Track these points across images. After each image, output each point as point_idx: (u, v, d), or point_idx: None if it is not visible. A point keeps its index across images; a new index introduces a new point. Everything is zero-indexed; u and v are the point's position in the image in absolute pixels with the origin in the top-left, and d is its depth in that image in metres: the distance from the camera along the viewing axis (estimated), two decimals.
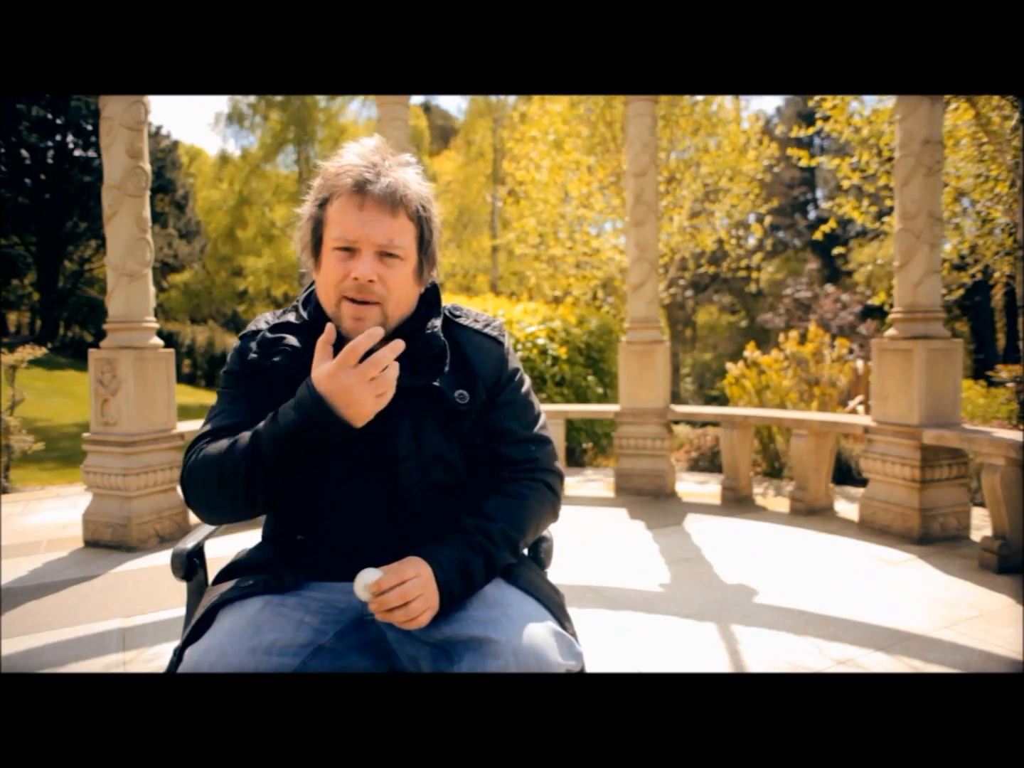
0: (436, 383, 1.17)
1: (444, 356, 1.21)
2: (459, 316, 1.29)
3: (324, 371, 1.02)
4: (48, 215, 19.47)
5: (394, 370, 1.02)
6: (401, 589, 1.03)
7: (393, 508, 1.16)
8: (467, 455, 1.21)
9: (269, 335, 1.22)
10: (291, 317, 1.26)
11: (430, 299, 1.27)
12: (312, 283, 1.31)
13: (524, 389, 1.30)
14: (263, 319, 1.29)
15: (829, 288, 15.98)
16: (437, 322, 1.24)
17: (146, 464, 4.02)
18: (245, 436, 1.10)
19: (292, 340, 1.20)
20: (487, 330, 1.28)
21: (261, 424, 1.09)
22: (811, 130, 7.34)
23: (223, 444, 1.12)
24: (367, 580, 1.04)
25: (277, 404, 1.12)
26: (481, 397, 1.21)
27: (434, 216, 1.21)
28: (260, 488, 1.09)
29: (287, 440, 1.04)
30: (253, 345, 1.22)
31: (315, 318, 1.22)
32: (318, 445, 1.05)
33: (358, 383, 1.00)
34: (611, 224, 11.62)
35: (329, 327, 1.07)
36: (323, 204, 1.17)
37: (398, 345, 1.02)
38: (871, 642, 2.59)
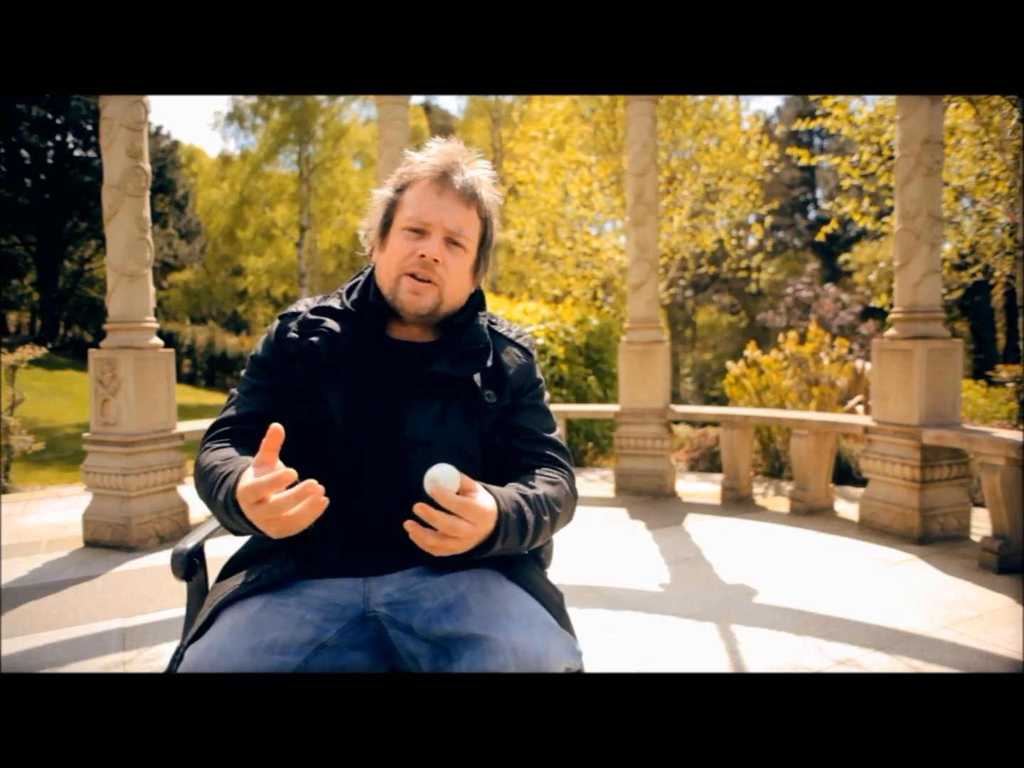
0: (475, 377, 1.23)
1: (487, 352, 1.28)
2: (495, 324, 1.37)
3: (243, 482, 1.01)
4: (48, 215, 19.47)
5: (300, 512, 0.98)
6: (454, 522, 0.99)
7: (406, 499, 1.16)
8: (484, 451, 1.24)
9: (310, 316, 1.26)
10: (334, 303, 1.30)
11: (476, 302, 1.35)
12: (358, 272, 1.36)
13: (545, 399, 1.38)
14: (303, 303, 1.33)
15: (830, 288, 15.97)
16: (484, 321, 1.33)
17: (146, 464, 4.03)
18: (218, 471, 1.11)
19: (332, 324, 1.24)
20: (519, 340, 1.36)
21: (226, 474, 1.09)
22: (812, 123, 7.32)
23: (212, 460, 1.15)
24: (441, 479, 0.99)
25: (305, 388, 1.19)
26: (505, 400, 1.27)
27: (496, 223, 1.31)
28: (226, 522, 1.13)
29: (220, 514, 1.10)
30: (293, 325, 1.26)
31: (358, 307, 1.27)
32: (247, 531, 1.08)
33: (251, 513, 1.00)
34: (611, 224, 11.62)
35: (274, 429, 1.01)
36: (401, 189, 1.25)
37: (310, 489, 0.98)
38: (871, 642, 2.59)
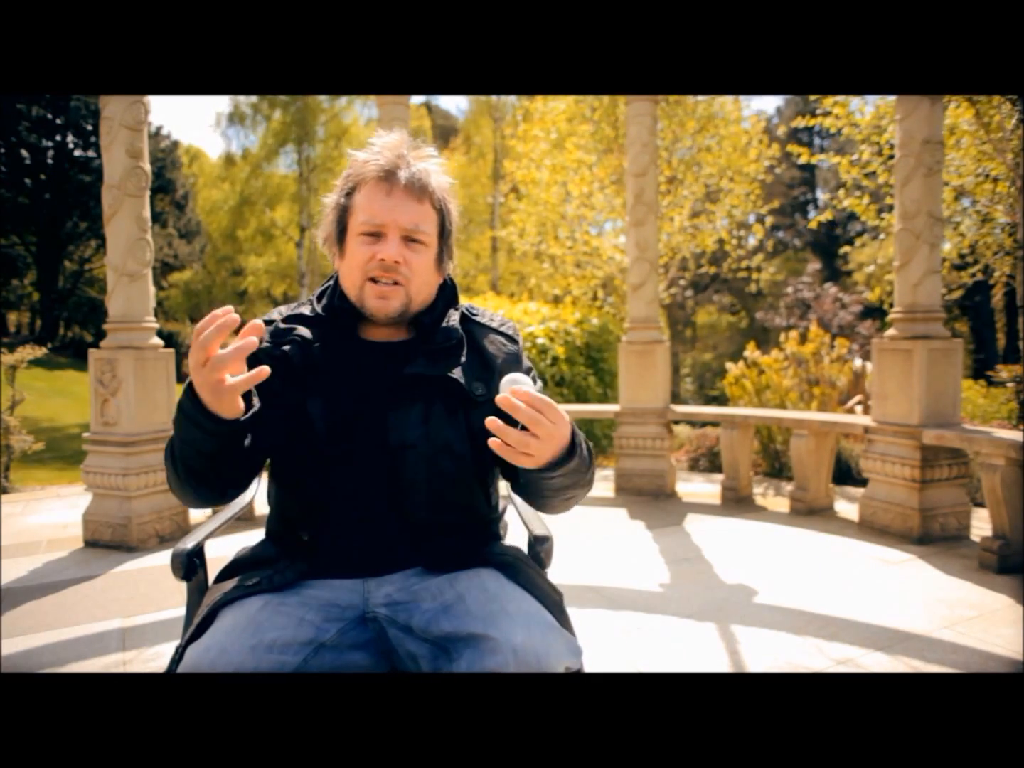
0: (453, 374, 1.21)
1: (461, 348, 1.26)
2: (476, 314, 1.35)
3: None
4: (48, 215, 19.48)
5: (229, 360, 0.96)
6: (536, 417, 0.97)
7: (398, 500, 1.16)
8: (474, 447, 1.22)
9: (282, 325, 1.25)
10: (305, 310, 1.30)
11: (448, 294, 1.33)
12: (328, 278, 1.35)
13: (539, 386, 1.34)
14: (276, 311, 1.32)
15: (830, 288, 15.96)
16: (455, 316, 1.30)
17: (146, 464, 4.03)
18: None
19: (304, 331, 1.24)
20: (503, 329, 1.34)
21: None
22: (813, 121, 7.32)
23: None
24: (520, 381, 1.02)
25: (284, 397, 1.18)
26: (497, 391, 1.24)
27: (454, 208, 1.28)
28: (192, 478, 1.11)
29: (178, 429, 1.06)
30: (266, 335, 1.25)
31: (329, 312, 1.26)
32: (201, 435, 1.03)
33: (194, 366, 0.98)
34: (611, 224, 11.61)
35: (253, 325, 1.00)
36: (350, 193, 1.23)
37: (229, 322, 0.96)
38: (871, 642, 2.59)
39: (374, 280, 1.19)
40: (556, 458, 1.03)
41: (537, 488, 1.14)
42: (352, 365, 1.21)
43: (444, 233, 1.26)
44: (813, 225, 7.84)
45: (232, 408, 1.01)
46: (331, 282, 1.33)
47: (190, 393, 1.01)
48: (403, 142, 1.23)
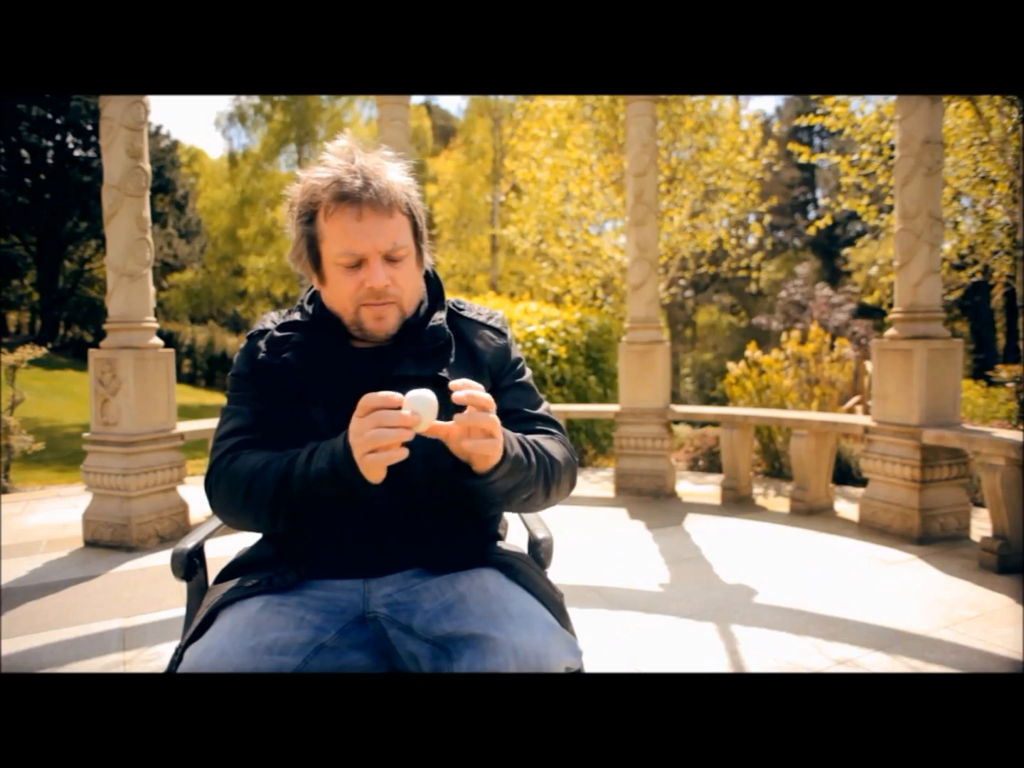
0: (442, 373, 1.20)
1: (449, 347, 1.25)
2: (463, 309, 1.34)
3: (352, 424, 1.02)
4: (48, 215, 19.49)
5: (395, 436, 0.98)
6: (487, 402, 1.01)
7: (397, 499, 1.16)
8: None
9: (277, 334, 1.25)
10: (297, 316, 1.29)
11: (433, 292, 1.32)
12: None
13: (527, 376, 1.35)
14: (269, 319, 1.32)
15: (822, 289, 15.93)
16: (442, 315, 1.29)
17: (146, 464, 4.02)
18: (280, 462, 1.11)
19: (299, 339, 1.24)
20: (491, 322, 1.33)
21: (298, 456, 1.09)
22: (814, 120, 7.31)
23: (256, 461, 1.13)
24: (430, 398, 0.99)
25: (288, 400, 1.18)
26: (487, 386, 1.24)
27: (418, 199, 1.24)
28: (284, 517, 1.11)
29: (316, 485, 1.05)
30: (262, 344, 1.25)
31: (320, 315, 1.26)
32: (344, 497, 1.06)
33: (355, 433, 1.00)
34: (611, 223, 11.61)
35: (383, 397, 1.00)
36: (312, 219, 1.18)
37: (410, 420, 0.98)
38: (871, 642, 2.59)
39: (367, 305, 1.18)
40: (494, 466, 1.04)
41: (486, 495, 1.11)
42: (346, 370, 1.22)
43: (418, 233, 1.23)
44: (812, 231, 7.84)
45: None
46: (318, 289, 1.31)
47: (351, 460, 1.01)
48: (351, 151, 1.18)
